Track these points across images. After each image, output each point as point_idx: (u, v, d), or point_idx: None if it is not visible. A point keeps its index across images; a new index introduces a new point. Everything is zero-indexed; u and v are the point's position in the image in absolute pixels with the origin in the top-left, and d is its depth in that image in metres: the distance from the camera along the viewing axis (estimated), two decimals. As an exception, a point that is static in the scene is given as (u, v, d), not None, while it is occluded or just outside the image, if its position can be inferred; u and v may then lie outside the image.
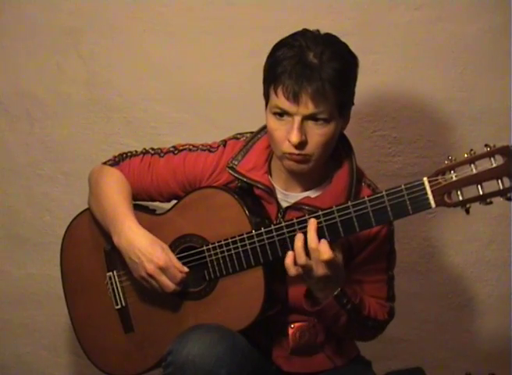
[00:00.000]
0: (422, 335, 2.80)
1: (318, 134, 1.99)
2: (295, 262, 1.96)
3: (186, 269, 2.11)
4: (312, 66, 1.95)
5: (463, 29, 2.66)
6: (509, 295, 2.75)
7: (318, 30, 2.04)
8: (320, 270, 1.94)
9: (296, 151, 2.00)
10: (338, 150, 2.11)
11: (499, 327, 2.79)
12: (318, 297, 2.01)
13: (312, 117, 1.98)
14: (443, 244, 2.76)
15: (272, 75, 1.99)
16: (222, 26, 2.73)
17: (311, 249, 1.94)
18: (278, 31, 2.66)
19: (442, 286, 2.74)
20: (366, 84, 2.66)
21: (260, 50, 2.56)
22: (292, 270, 1.97)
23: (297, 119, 1.97)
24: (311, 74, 1.95)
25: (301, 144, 1.99)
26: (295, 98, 1.96)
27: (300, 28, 2.65)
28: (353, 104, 2.07)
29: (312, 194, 2.11)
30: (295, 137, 1.97)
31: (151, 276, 2.10)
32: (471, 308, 2.79)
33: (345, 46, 2.04)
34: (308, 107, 1.96)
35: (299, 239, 1.96)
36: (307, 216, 1.98)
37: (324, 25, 2.63)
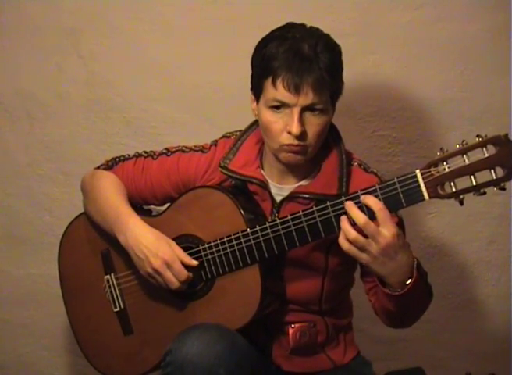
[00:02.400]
0: (422, 335, 2.80)
1: (315, 124, 2.02)
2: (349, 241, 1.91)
3: (195, 262, 2.09)
4: (309, 57, 1.99)
5: (463, 29, 2.66)
6: (509, 295, 2.75)
7: (303, 24, 2.08)
8: (380, 238, 1.88)
9: (296, 142, 2.02)
10: (326, 138, 2.11)
11: (499, 327, 2.79)
12: (390, 281, 1.95)
13: (310, 108, 2.01)
14: (443, 244, 2.76)
15: (268, 68, 2.01)
16: (222, 26, 2.73)
17: (364, 225, 1.87)
18: (278, 31, 2.66)
19: (442, 286, 2.74)
20: (366, 84, 2.67)
21: (260, 50, 2.55)
22: (346, 245, 1.91)
23: (297, 110, 2.00)
24: (310, 65, 1.98)
25: (301, 135, 2.01)
26: (296, 90, 1.98)
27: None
28: (341, 93, 2.11)
29: (305, 183, 2.12)
30: (296, 129, 2.00)
31: (156, 271, 2.09)
32: (471, 308, 2.79)
33: (330, 37, 2.08)
34: (308, 97, 1.99)
35: (344, 220, 1.91)
36: (301, 212, 1.99)
37: (324, 25, 2.63)
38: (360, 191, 1.93)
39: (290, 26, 2.06)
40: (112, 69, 2.80)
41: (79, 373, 2.95)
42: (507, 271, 2.76)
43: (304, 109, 2.00)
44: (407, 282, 1.94)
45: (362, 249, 1.90)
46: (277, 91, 2.00)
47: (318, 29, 2.08)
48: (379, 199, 1.90)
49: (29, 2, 2.81)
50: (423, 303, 2.09)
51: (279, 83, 1.99)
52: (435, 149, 2.67)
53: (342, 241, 1.91)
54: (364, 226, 1.87)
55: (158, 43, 2.78)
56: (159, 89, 2.79)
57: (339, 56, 2.07)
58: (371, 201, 1.89)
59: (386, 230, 1.87)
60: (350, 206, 1.90)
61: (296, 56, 1.98)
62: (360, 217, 1.88)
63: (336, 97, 2.07)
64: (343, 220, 1.90)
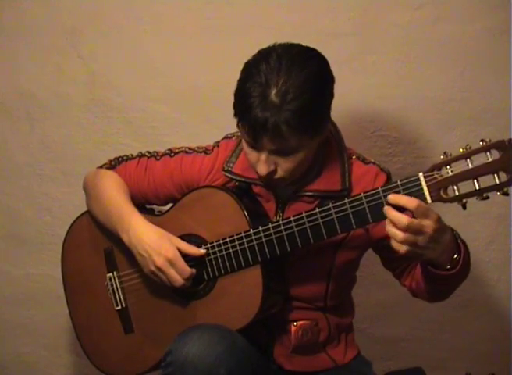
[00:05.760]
0: (422, 335, 2.80)
1: (287, 163, 2.00)
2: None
3: (202, 251, 2.09)
4: (272, 108, 1.90)
5: (463, 29, 2.66)
6: (509, 295, 2.75)
7: (288, 47, 1.99)
8: (426, 223, 1.85)
9: (265, 179, 2.02)
10: (326, 136, 2.09)
11: (499, 327, 2.79)
12: (439, 261, 1.94)
13: (277, 152, 1.97)
14: (443, 244, 2.76)
15: (237, 109, 1.98)
16: (222, 26, 2.73)
17: (408, 225, 1.83)
18: (278, 31, 2.67)
19: (442, 286, 2.74)
20: (366, 84, 2.67)
21: (260, 50, 2.55)
22: (400, 235, 1.86)
23: (263, 153, 1.98)
24: (270, 118, 1.90)
25: (270, 174, 2.00)
26: (255, 142, 1.97)
27: (300, 28, 2.67)
28: (325, 126, 2.02)
29: (308, 181, 2.10)
30: (260, 171, 2.00)
31: (159, 269, 2.09)
32: (471, 308, 2.79)
33: (314, 69, 1.96)
34: (270, 146, 1.96)
35: (389, 223, 1.87)
36: (303, 214, 1.98)
37: (324, 25, 2.64)
38: (363, 193, 1.93)
39: (266, 62, 1.94)
40: (112, 69, 2.80)
41: (79, 373, 2.95)
42: (507, 271, 2.76)
43: (272, 152, 1.98)
44: (455, 256, 1.94)
45: (413, 244, 1.86)
46: (243, 134, 1.99)
47: (300, 59, 1.96)
48: (382, 202, 1.89)
49: (29, 2, 2.81)
50: (469, 269, 2.06)
51: (242, 129, 1.98)
52: (435, 149, 2.69)
53: (396, 245, 1.86)
54: (408, 227, 1.83)
55: (157, 43, 2.78)
56: (159, 89, 2.79)
57: (313, 100, 1.93)
58: (403, 201, 1.85)
59: (429, 220, 1.85)
60: (389, 210, 1.86)
61: (258, 107, 1.91)
62: (402, 218, 1.84)
63: (315, 133, 1.98)
64: (388, 224, 1.86)
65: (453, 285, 2.07)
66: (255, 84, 1.93)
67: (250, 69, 1.97)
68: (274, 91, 1.91)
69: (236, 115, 1.99)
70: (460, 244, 1.96)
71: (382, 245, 2.10)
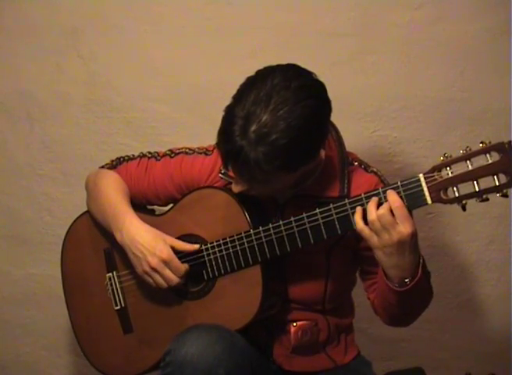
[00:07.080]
0: (422, 335, 2.80)
1: (260, 188, 1.99)
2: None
3: (196, 246, 2.09)
4: (248, 142, 1.87)
5: (463, 29, 2.66)
6: (509, 295, 2.75)
7: (288, 78, 1.90)
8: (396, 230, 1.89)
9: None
10: (328, 139, 2.08)
11: (499, 327, 2.79)
12: (390, 273, 1.96)
13: (249, 179, 1.96)
14: (443, 244, 2.76)
15: (219, 131, 1.94)
16: (222, 26, 2.73)
17: (382, 215, 1.89)
18: (278, 31, 2.67)
19: (442, 286, 2.74)
20: (366, 84, 2.67)
21: (260, 50, 2.56)
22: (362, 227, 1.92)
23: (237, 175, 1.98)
24: (242, 152, 1.88)
25: (244, 191, 2.01)
26: (226, 169, 1.97)
27: (300, 28, 2.66)
28: (316, 153, 1.98)
29: (308, 185, 2.09)
30: (234, 189, 2.01)
31: (154, 270, 2.09)
32: (471, 308, 2.79)
33: (307, 111, 1.88)
34: (241, 174, 1.95)
35: (372, 201, 1.92)
36: (304, 214, 1.99)
37: (324, 25, 2.63)
38: (364, 193, 1.94)
39: (258, 90, 1.89)
40: (112, 69, 2.80)
41: (79, 373, 2.95)
42: (507, 271, 2.76)
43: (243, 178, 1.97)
44: (406, 280, 1.96)
45: (376, 233, 1.90)
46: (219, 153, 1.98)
47: (296, 94, 1.88)
48: (383, 203, 1.91)
49: (29, 2, 2.80)
50: (424, 301, 2.10)
51: (218, 150, 1.97)
52: (435, 149, 2.69)
53: (357, 219, 1.92)
54: (381, 215, 1.88)
55: (157, 43, 2.78)
56: (159, 89, 2.79)
57: (298, 140, 1.88)
58: (391, 197, 1.89)
59: (403, 227, 1.88)
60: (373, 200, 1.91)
61: (237, 137, 1.88)
62: (385, 205, 1.89)
63: (293, 169, 1.94)
64: (372, 201, 1.91)
65: (405, 306, 2.05)
66: (239, 115, 1.90)
67: (243, 92, 1.93)
68: (253, 128, 1.87)
69: (217, 134, 1.95)
70: (418, 272, 1.96)
71: (364, 255, 2.11)
